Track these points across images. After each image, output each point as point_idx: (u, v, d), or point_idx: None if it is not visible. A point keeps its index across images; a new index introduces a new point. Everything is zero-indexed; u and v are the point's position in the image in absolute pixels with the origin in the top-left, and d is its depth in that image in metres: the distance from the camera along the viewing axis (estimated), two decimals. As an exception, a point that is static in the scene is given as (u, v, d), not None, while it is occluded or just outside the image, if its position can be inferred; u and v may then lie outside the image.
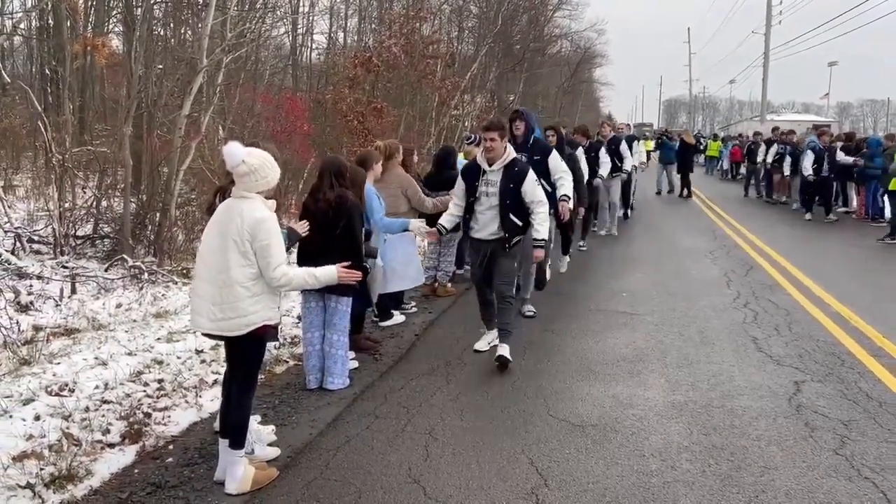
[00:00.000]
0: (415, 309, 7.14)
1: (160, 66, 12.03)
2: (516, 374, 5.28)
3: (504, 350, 5.38)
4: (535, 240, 5.45)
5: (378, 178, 6.28)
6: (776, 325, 6.56)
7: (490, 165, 5.45)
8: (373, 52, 18.38)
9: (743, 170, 23.24)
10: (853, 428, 4.29)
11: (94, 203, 9.51)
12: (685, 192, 19.36)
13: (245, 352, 3.58)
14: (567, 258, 8.98)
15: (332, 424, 4.41)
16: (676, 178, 19.60)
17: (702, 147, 29.82)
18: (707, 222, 14.51)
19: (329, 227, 4.84)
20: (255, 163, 3.46)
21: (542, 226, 5.41)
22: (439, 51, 19.70)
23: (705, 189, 21.02)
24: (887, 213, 13.20)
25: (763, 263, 9.65)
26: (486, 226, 5.48)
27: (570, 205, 6.55)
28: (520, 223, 5.42)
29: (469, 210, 5.57)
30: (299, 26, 26.72)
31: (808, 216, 14.65)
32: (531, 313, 6.85)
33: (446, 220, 5.75)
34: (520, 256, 5.71)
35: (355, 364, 5.45)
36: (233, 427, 3.58)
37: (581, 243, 10.42)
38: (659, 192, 19.85)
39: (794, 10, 43.11)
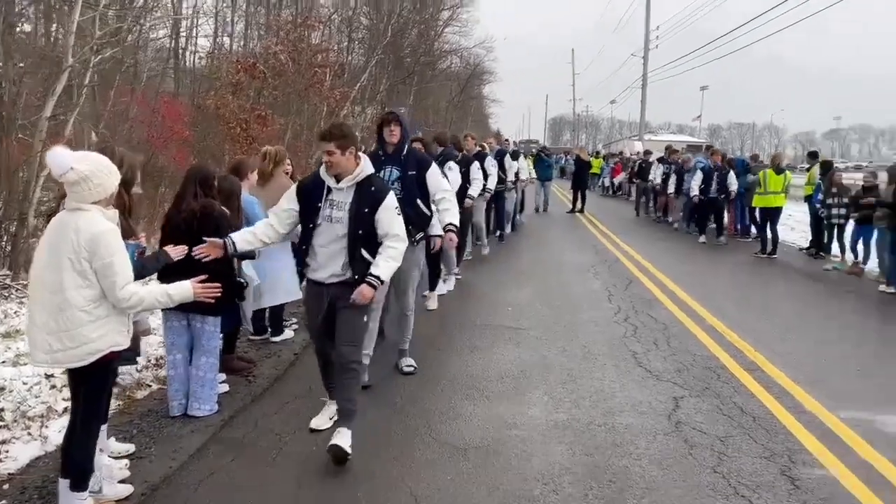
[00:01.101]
0: (296, 326, 6.79)
1: (20, 64, 11.11)
2: (399, 395, 5.07)
3: (342, 438, 3.94)
4: (371, 275, 4.00)
5: (255, 185, 5.94)
6: (655, 340, 6.67)
7: (338, 182, 4.11)
8: (258, 58, 17.83)
9: (632, 189, 24.13)
10: (729, 444, 4.33)
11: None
12: (579, 206, 19.99)
13: (89, 383, 3.18)
14: (436, 294, 7.91)
15: (195, 455, 4.04)
16: (546, 195, 19.67)
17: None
18: (590, 238, 14.84)
19: (194, 239, 4.46)
20: (86, 169, 3.06)
21: (385, 264, 4.05)
22: (328, 60, 19.35)
23: (589, 205, 21.58)
24: (755, 229, 13.99)
25: (642, 278, 9.90)
26: (328, 264, 4.08)
27: (455, 236, 5.46)
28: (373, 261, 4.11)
29: (306, 240, 4.16)
30: (182, 29, 25.67)
31: (701, 238, 14.16)
32: (411, 369, 5.60)
33: (240, 239, 4.20)
34: (376, 304, 4.75)
35: (225, 387, 5.08)
36: (74, 466, 3.17)
37: (456, 270, 9.11)
38: (537, 210, 19.38)
39: (670, 36, 45.39)
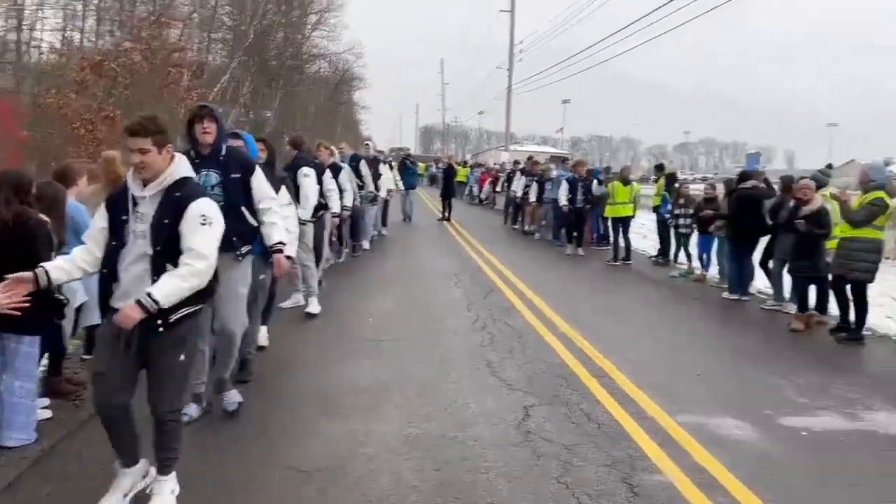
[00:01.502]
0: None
1: None
2: (245, 417, 4.80)
3: (162, 499, 3.47)
4: (146, 293, 3.20)
5: (86, 193, 5.48)
6: (510, 348, 6.74)
7: (144, 188, 3.39)
8: (107, 56, 16.75)
9: (497, 198, 24.67)
10: (575, 453, 4.39)
11: None
12: (447, 214, 20.20)
13: None
14: (266, 327, 6.46)
15: (6, 492, 3.62)
16: (414, 208, 19.57)
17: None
18: (456, 247, 14.97)
19: (6, 251, 4.02)
20: None
21: (168, 282, 3.24)
22: (185, 59, 18.50)
23: (457, 214, 21.81)
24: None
25: (502, 287, 10.05)
26: (132, 290, 3.30)
27: (288, 255, 4.87)
28: None
29: (109, 262, 3.38)
30: (25, 22, 23.73)
31: (568, 250, 14.24)
32: (235, 406, 4.83)
33: (55, 268, 3.42)
34: (195, 339, 3.68)
35: (48, 413, 4.62)
36: None
37: (315, 289, 8.01)
38: (405, 219, 19.20)
39: (530, 52, 46.87)
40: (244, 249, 4.62)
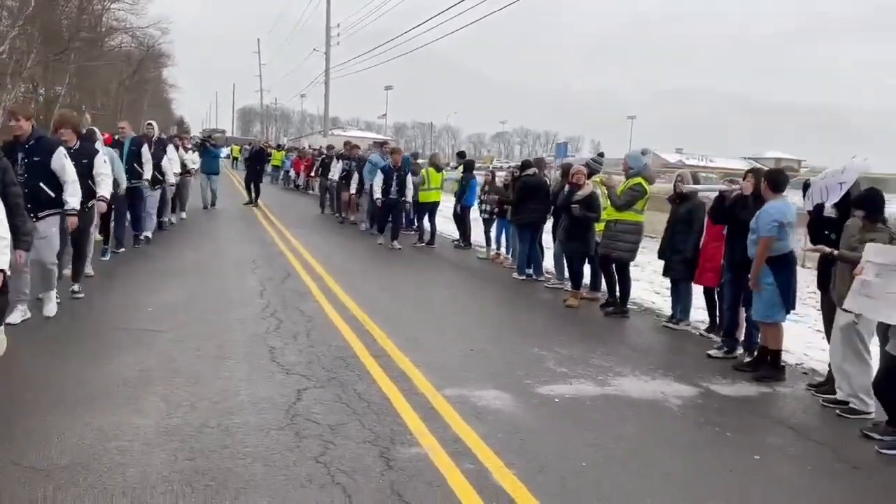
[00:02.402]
0: None
1: None
2: (-18, 416, 4.41)
3: None
4: None
5: None
6: (296, 334, 6.71)
7: None
8: None
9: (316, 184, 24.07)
10: (339, 432, 4.46)
11: None
12: (253, 199, 19.53)
13: None
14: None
15: None
16: (217, 194, 18.34)
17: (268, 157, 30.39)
18: (261, 234, 14.62)
19: None
20: None
21: None
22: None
23: (269, 199, 21.27)
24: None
25: (301, 272, 9.97)
26: None
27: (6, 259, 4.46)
28: None
29: None
30: None
31: (380, 240, 13.59)
32: None
33: None
34: None
35: None
36: None
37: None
38: (205, 207, 17.93)
39: (348, 35, 46.76)
40: None
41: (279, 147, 34.66)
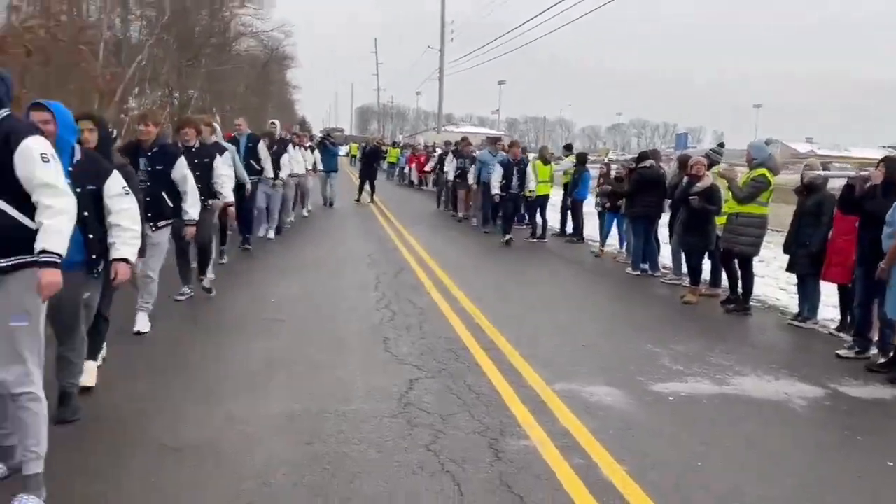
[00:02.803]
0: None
1: None
2: (130, 396, 4.79)
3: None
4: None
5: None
6: (408, 325, 6.87)
7: None
8: (12, 31, 16.08)
9: (431, 183, 24.33)
10: (449, 422, 4.55)
11: None
12: (367, 196, 19.83)
13: None
14: (94, 363, 4.90)
15: None
16: (335, 191, 18.52)
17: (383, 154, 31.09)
18: (377, 230, 15.01)
19: None
20: None
21: None
22: (96, 37, 17.89)
23: (385, 196, 21.76)
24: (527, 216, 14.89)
25: (414, 266, 10.18)
26: None
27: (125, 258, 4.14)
28: None
29: None
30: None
31: (507, 237, 12.84)
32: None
33: None
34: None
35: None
36: None
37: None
38: (326, 204, 18.31)
39: (462, 31, 47.06)
40: (7, 262, 3.23)
41: (394, 144, 35.42)
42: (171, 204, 6.43)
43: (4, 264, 3.21)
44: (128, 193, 4.22)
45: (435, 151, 23.65)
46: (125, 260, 4.15)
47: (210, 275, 7.85)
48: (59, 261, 3.21)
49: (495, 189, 12.87)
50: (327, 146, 17.93)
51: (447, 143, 19.95)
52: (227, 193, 7.75)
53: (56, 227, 3.22)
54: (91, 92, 17.52)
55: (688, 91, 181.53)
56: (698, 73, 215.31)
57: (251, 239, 11.00)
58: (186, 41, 28.56)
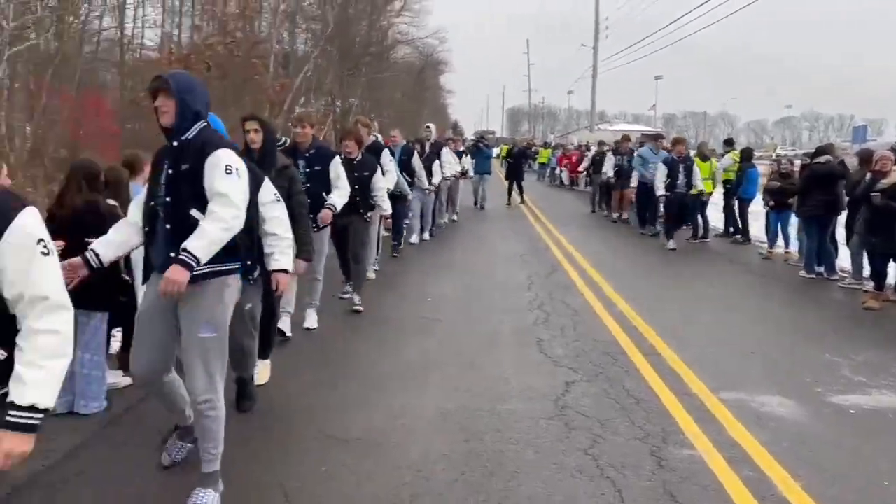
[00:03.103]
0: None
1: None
2: (296, 387, 5.08)
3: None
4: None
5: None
6: (562, 326, 6.79)
7: None
8: (195, 50, 17.60)
9: (585, 184, 23.82)
10: (608, 427, 4.44)
11: None
12: (517, 198, 19.55)
13: None
14: (268, 362, 5.24)
15: (69, 455, 3.99)
16: (488, 192, 18.29)
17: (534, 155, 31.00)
18: (528, 229, 14.98)
19: (78, 236, 4.40)
20: None
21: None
22: (267, 50, 19.17)
23: (536, 197, 21.66)
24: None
25: (567, 266, 10.05)
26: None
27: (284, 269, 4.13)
28: None
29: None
30: (128, 21, 25.13)
31: (671, 244, 11.83)
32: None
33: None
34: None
35: (127, 381, 4.99)
36: None
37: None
38: (478, 206, 18.15)
39: (617, 28, 45.89)
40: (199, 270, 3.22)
41: (545, 145, 35.21)
42: None
43: (199, 272, 3.21)
44: (279, 200, 4.16)
45: (588, 151, 23.19)
46: (284, 270, 4.13)
47: (358, 295, 7.37)
48: (194, 264, 3.13)
49: (660, 190, 11.95)
50: (481, 148, 17.80)
51: (601, 143, 19.16)
52: (386, 207, 7.57)
53: (209, 232, 3.15)
54: (263, 102, 18.76)
55: (865, 81, 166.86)
56: (874, 60, 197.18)
57: (400, 248, 10.87)
58: (348, 51, 29.91)
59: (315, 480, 3.74)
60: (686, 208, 12.41)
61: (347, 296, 7.60)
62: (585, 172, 21.41)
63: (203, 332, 3.32)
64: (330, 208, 6.24)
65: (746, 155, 12.91)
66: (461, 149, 16.07)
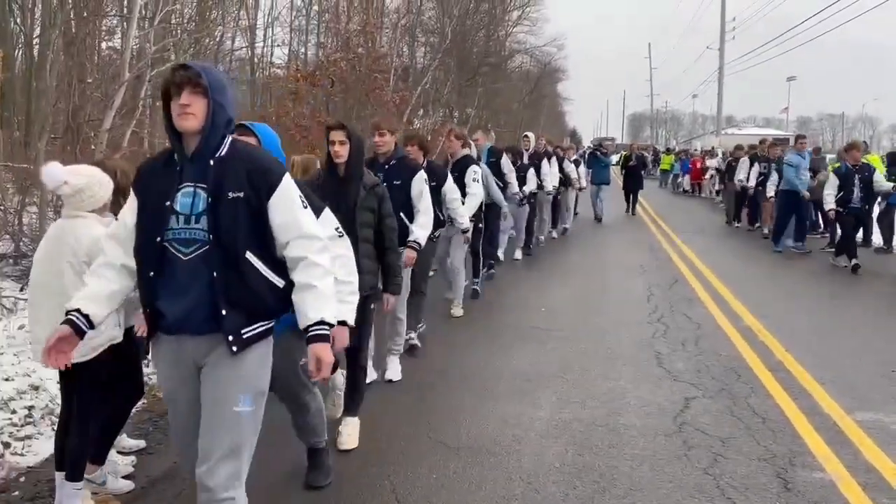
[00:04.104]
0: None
1: (89, 80, 11.82)
2: (409, 392, 5.17)
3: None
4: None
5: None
6: (683, 340, 6.55)
7: None
8: (319, 66, 18.32)
9: (710, 191, 22.88)
10: (730, 445, 4.24)
11: (16, 220, 9.27)
12: (630, 209, 18.51)
13: (85, 377, 3.41)
14: (356, 419, 4.42)
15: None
16: (604, 204, 16.89)
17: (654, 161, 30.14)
18: (649, 238, 14.56)
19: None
20: (80, 182, 3.31)
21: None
22: (388, 65, 19.67)
23: (659, 206, 20.98)
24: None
25: (690, 278, 9.69)
26: None
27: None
28: None
29: None
30: (258, 40, 26.56)
31: (844, 263, 10.33)
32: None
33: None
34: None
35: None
36: (70, 458, 3.41)
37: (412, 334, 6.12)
38: (597, 219, 16.69)
39: (745, 28, 43.85)
40: (251, 331, 2.58)
41: (668, 151, 34.17)
42: (409, 224, 5.26)
43: (249, 334, 2.56)
44: (341, 236, 3.39)
45: (715, 156, 22.22)
46: (344, 323, 3.23)
47: (417, 329, 6.28)
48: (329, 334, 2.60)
49: (829, 204, 10.32)
50: (598, 157, 16.94)
51: (738, 147, 16.99)
52: (462, 221, 6.45)
53: (326, 292, 2.61)
54: (383, 115, 19.28)
55: None
56: None
57: (494, 265, 9.54)
58: (465, 62, 30.26)
59: (425, 485, 3.79)
60: (865, 225, 11.17)
61: (413, 339, 6.13)
62: (714, 180, 20.41)
63: (240, 406, 2.55)
64: (413, 247, 5.21)
65: (892, 159, 11.95)
66: (573, 157, 15.11)
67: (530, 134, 11.38)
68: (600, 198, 16.84)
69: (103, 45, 14.30)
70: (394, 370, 5.46)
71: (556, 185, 12.04)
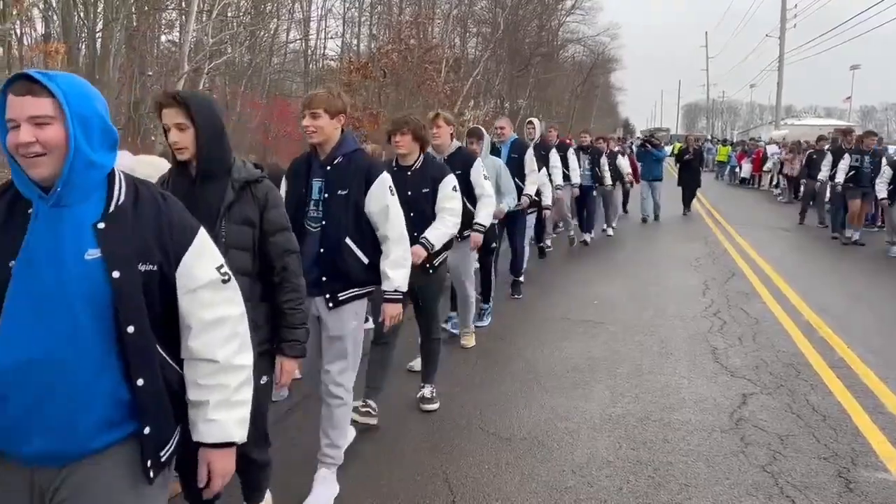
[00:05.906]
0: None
1: (150, 73, 12.15)
2: (459, 384, 5.18)
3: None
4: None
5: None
6: (740, 335, 6.41)
7: None
8: (371, 58, 18.47)
9: (770, 183, 22.25)
10: (789, 443, 4.15)
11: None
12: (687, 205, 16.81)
13: None
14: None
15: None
16: (659, 203, 15.34)
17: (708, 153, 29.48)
18: (705, 231, 14.27)
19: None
20: (147, 172, 3.40)
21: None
22: (439, 56, 19.71)
23: (717, 198, 20.55)
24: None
25: (747, 271, 9.48)
26: None
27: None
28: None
29: None
30: (311, 32, 26.90)
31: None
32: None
33: None
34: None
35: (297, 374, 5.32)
36: None
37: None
38: (644, 220, 15.11)
39: (806, 15, 42.53)
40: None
41: (724, 142, 33.41)
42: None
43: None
44: (227, 280, 2.75)
45: (781, 148, 21.31)
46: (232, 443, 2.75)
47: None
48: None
49: (882, 194, 10.35)
50: (649, 150, 15.20)
51: (821, 138, 15.19)
52: (484, 220, 5.47)
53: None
54: (435, 106, 19.33)
55: None
56: None
57: (521, 284, 8.06)
58: (517, 53, 30.12)
59: (477, 475, 3.80)
60: None
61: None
62: (773, 171, 19.68)
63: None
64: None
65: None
66: (617, 149, 13.98)
67: (535, 120, 9.70)
68: (653, 195, 15.12)
69: (163, 38, 14.73)
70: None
71: (562, 184, 9.80)
